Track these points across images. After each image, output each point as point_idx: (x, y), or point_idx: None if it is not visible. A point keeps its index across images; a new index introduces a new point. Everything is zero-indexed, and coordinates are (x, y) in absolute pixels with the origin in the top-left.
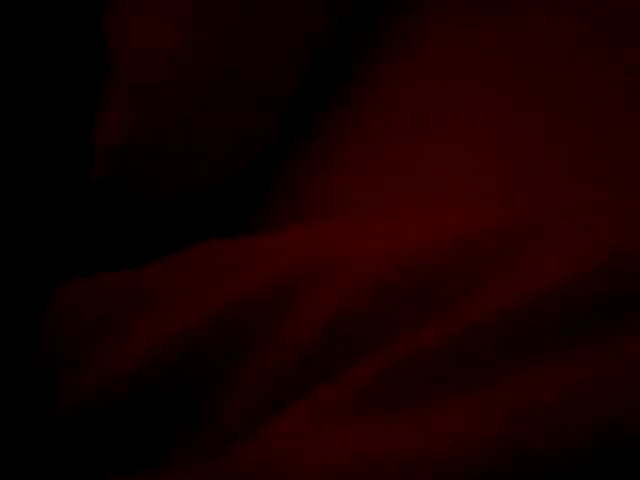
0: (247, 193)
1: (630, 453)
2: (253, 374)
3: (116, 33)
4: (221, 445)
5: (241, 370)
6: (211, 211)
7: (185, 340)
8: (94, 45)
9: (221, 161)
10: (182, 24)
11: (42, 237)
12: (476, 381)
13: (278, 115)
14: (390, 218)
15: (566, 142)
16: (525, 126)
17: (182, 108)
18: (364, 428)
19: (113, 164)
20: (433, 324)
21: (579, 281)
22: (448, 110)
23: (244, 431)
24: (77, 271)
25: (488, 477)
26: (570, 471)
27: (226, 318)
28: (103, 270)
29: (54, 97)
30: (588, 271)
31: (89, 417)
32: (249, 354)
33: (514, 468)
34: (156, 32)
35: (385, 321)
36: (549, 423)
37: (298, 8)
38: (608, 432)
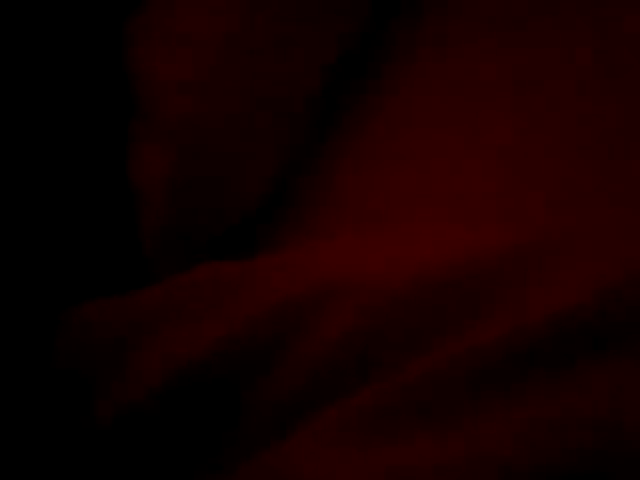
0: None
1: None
2: (271, 391)
3: (145, 67)
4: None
5: (260, 387)
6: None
7: (194, 369)
8: (117, 80)
9: (247, 194)
10: (214, 55)
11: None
12: (483, 401)
13: (297, 140)
14: (403, 234)
15: (572, 161)
16: (529, 147)
17: (216, 140)
18: (365, 448)
19: (159, 213)
20: (441, 346)
21: (578, 312)
22: (454, 127)
23: (257, 448)
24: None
25: None
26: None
27: (242, 339)
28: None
29: (81, 127)
30: (587, 302)
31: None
32: (268, 370)
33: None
34: (187, 64)
35: (395, 340)
36: (548, 440)
37: (319, 40)
38: (607, 447)
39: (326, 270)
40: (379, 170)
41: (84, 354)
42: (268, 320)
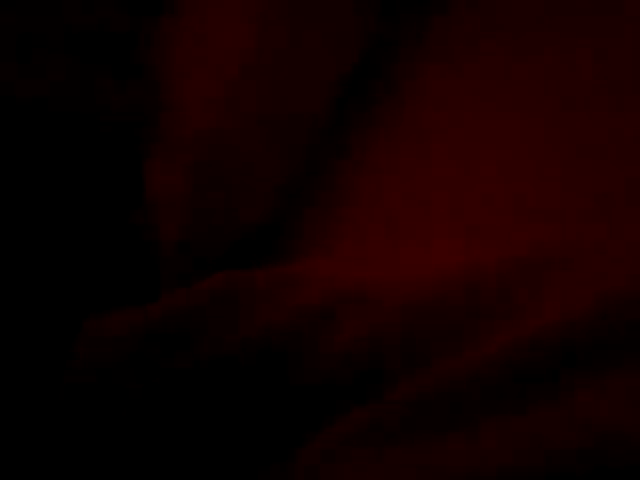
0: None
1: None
2: (290, 391)
3: (166, 80)
4: None
5: (281, 388)
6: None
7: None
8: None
9: (261, 208)
10: (239, 71)
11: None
12: (488, 413)
13: (310, 155)
14: (413, 247)
15: (573, 168)
16: (531, 157)
17: (238, 154)
18: (380, 458)
19: (180, 224)
20: (457, 353)
21: (578, 324)
22: (461, 136)
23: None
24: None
25: None
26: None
27: (260, 342)
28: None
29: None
30: (588, 314)
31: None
32: (285, 373)
33: None
34: (204, 81)
35: (406, 352)
36: (546, 451)
37: (335, 54)
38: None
39: (340, 279)
40: (392, 182)
41: (102, 364)
42: (284, 326)
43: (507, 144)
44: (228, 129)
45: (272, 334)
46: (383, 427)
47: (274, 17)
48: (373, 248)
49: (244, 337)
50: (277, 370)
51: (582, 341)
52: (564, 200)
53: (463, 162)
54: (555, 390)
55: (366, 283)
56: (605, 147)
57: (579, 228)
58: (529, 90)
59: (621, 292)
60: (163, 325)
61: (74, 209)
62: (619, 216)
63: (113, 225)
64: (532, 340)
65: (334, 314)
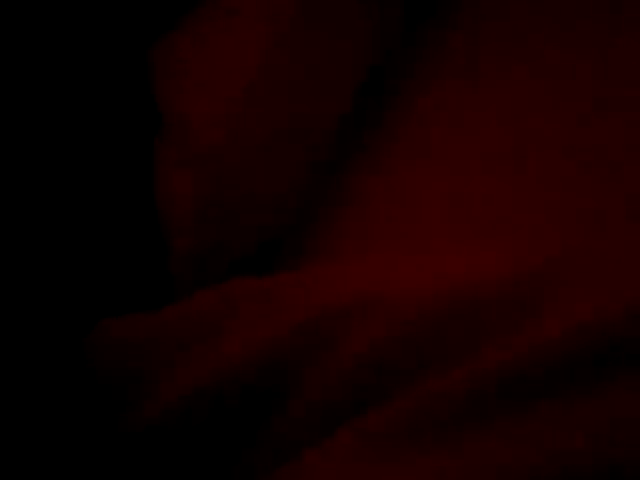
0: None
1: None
2: (302, 400)
3: (174, 97)
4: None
5: (294, 396)
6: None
7: (228, 381)
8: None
9: (272, 222)
10: (246, 88)
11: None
12: (485, 427)
13: (322, 170)
14: (421, 252)
15: (573, 179)
16: (532, 171)
17: (245, 171)
18: (384, 466)
19: (190, 236)
20: (471, 360)
21: (576, 340)
22: (461, 145)
23: (288, 455)
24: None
25: None
26: None
27: (272, 351)
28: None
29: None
30: (591, 326)
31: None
32: (301, 380)
33: None
34: (219, 97)
35: (422, 355)
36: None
37: (349, 69)
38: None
39: (355, 285)
40: (405, 192)
41: (114, 371)
42: (298, 333)
43: (508, 148)
44: (243, 144)
45: (272, 351)
46: (371, 443)
47: (280, 36)
48: (376, 260)
49: (243, 353)
50: (276, 386)
51: (580, 357)
52: (565, 202)
53: (464, 165)
54: (553, 406)
55: (366, 295)
56: (606, 147)
57: (579, 230)
58: (529, 92)
59: (619, 308)
60: (174, 332)
61: (84, 216)
62: (621, 220)
63: (126, 236)
64: (531, 356)
65: (334, 330)
